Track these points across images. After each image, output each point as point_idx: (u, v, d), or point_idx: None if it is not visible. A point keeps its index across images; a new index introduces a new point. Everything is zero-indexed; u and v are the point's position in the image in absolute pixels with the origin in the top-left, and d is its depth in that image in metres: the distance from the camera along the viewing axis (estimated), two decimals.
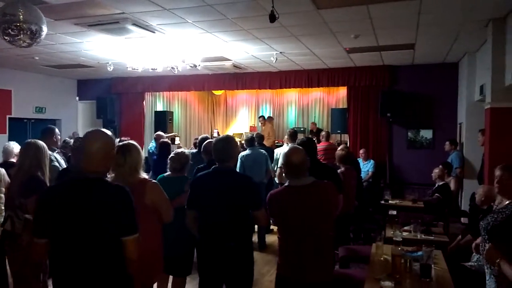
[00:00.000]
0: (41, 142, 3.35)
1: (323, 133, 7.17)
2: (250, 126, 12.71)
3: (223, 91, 12.38)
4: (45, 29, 3.98)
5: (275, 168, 6.44)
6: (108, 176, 2.56)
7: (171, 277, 3.61)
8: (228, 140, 2.87)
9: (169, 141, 5.80)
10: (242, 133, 11.83)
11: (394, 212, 4.38)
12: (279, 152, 6.55)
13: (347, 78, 8.41)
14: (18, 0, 3.89)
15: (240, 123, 13.34)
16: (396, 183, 7.71)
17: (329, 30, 5.49)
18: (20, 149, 3.37)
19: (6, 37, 3.89)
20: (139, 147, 2.66)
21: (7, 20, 3.81)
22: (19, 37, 3.84)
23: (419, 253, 3.05)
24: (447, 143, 7.11)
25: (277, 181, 6.31)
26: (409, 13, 4.81)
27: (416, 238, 3.93)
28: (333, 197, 2.63)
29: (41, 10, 4.09)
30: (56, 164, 4.35)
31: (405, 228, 4.17)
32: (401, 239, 3.23)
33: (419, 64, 7.91)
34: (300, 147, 2.76)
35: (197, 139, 6.93)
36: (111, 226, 1.95)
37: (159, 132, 7.34)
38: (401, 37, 5.94)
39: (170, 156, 3.60)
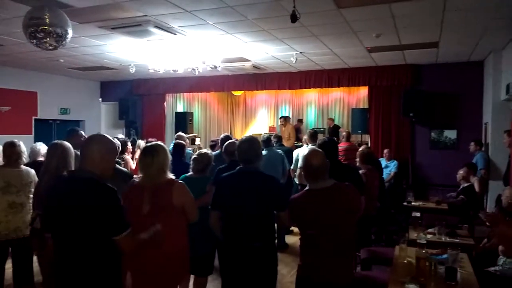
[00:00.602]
0: (67, 143, 3.42)
1: (343, 133, 7.09)
2: (269, 127, 12.71)
3: (242, 91, 12.43)
4: (70, 32, 4.08)
5: (296, 169, 6.42)
6: (136, 176, 2.63)
7: (192, 277, 3.64)
8: (252, 141, 2.88)
9: (184, 142, 5.83)
10: (261, 134, 11.83)
11: (418, 214, 4.31)
12: (299, 153, 6.53)
13: (368, 77, 8.30)
14: (44, 4, 4.00)
15: (259, 123, 13.36)
16: (418, 184, 7.57)
17: (350, 29, 5.43)
18: (47, 150, 3.45)
19: (33, 40, 4.00)
20: (166, 148, 2.69)
21: (34, 24, 3.92)
22: (45, 40, 3.94)
23: (444, 256, 3.00)
24: (472, 143, 6.93)
25: (297, 182, 6.30)
26: (433, 11, 4.71)
27: (440, 240, 3.84)
28: (355, 200, 2.60)
29: (66, 14, 4.19)
30: None
31: (429, 230, 4.08)
32: (426, 242, 3.18)
33: (443, 62, 7.74)
34: (320, 150, 2.75)
35: (213, 141, 6.97)
36: (98, 226, 2.04)
37: (180, 133, 7.39)
38: (424, 35, 5.82)
39: (193, 157, 3.65)
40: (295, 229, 6.59)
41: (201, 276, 3.58)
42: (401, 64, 7.91)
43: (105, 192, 2.07)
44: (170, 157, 2.67)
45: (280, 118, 11.77)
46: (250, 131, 13.05)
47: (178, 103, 11.38)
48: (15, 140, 3.79)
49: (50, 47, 4.14)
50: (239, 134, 13.23)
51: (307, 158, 2.61)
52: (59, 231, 2.10)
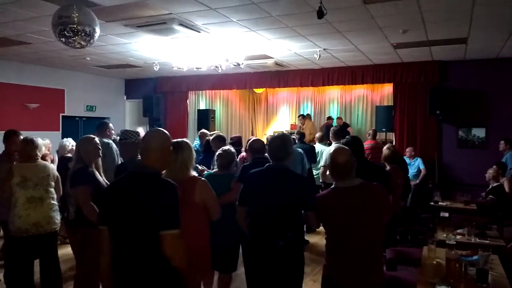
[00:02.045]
0: (92, 136, 3.50)
1: (369, 131, 7.00)
2: (291, 124, 12.65)
3: (264, 89, 12.41)
4: (98, 30, 4.15)
5: (318, 166, 6.37)
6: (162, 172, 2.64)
7: (216, 273, 3.66)
8: (284, 138, 2.84)
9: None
10: (282, 131, 11.78)
11: (446, 214, 4.20)
12: (321, 149, 6.48)
13: (393, 74, 8.14)
14: (72, 3, 4.08)
15: (281, 121, 13.31)
16: (445, 184, 7.39)
17: (376, 25, 5.34)
18: (77, 144, 3.53)
19: (62, 39, 4.09)
20: (191, 145, 2.71)
21: (62, 22, 4.00)
22: (74, 38, 4.01)
23: (475, 257, 2.91)
24: (502, 142, 6.72)
25: (320, 180, 6.24)
26: (462, 5, 4.58)
27: (470, 242, 3.74)
28: (382, 200, 2.54)
29: (94, 12, 4.26)
30: (114, 146, 4.88)
31: (458, 231, 3.98)
32: (455, 243, 3.10)
33: (472, 59, 7.51)
34: (346, 147, 2.68)
35: (232, 139, 6.98)
36: (153, 219, 2.01)
37: (204, 130, 7.45)
38: (452, 31, 5.67)
39: (217, 153, 3.64)
40: (317, 228, 6.55)
41: (224, 273, 3.59)
42: (428, 60, 7.73)
43: (168, 187, 2.08)
44: (194, 154, 2.68)
45: (299, 116, 11.70)
46: (271, 129, 13.02)
47: (200, 101, 11.46)
48: (29, 137, 3.83)
49: (78, 46, 4.22)
50: (260, 132, 13.23)
51: (333, 155, 2.55)
52: (119, 225, 2.08)
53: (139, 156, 2.26)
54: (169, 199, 2.04)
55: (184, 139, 2.76)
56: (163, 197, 2.03)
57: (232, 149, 3.72)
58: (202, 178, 2.72)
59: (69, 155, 4.90)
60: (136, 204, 2.04)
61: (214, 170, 3.62)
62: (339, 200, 2.50)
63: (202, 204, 2.58)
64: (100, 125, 5.31)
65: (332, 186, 2.58)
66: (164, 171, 2.61)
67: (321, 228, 7.01)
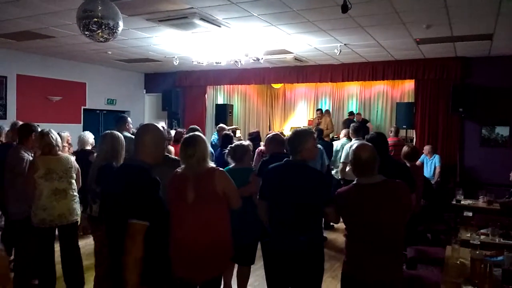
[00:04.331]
0: (117, 133, 3.53)
1: (391, 128, 6.91)
2: (309, 120, 12.57)
3: (281, 84, 12.35)
4: (121, 24, 4.18)
5: (337, 164, 6.33)
6: (179, 167, 2.67)
7: (236, 266, 3.68)
8: (304, 133, 2.84)
9: (232, 134, 5.89)
10: (299, 127, 11.72)
11: (470, 214, 4.10)
12: (339, 145, 6.42)
13: (415, 70, 7.99)
14: None
15: (298, 116, 13.24)
16: (467, 183, 7.24)
17: (400, 20, 5.24)
18: (99, 139, 3.55)
19: (86, 32, 4.12)
20: (205, 138, 2.72)
21: (87, 16, 4.04)
22: (98, 32, 4.04)
23: (500, 258, 2.85)
24: None
25: (339, 177, 6.19)
26: (489, 1, 4.45)
27: (494, 242, 3.65)
28: (405, 198, 2.50)
29: (117, 6, 4.29)
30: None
31: (482, 231, 3.89)
32: (479, 243, 3.04)
33: (496, 55, 7.32)
34: (369, 144, 2.65)
35: (251, 134, 6.99)
36: (125, 207, 2.14)
37: (222, 125, 7.48)
38: (478, 27, 5.53)
39: (229, 147, 3.70)
40: (335, 225, 6.51)
41: (244, 265, 3.62)
42: (451, 56, 7.56)
43: (147, 180, 2.19)
44: (209, 145, 2.70)
45: (317, 110, 11.59)
46: (288, 124, 12.97)
47: (218, 95, 11.50)
48: (46, 129, 3.88)
49: (102, 39, 4.25)
50: (278, 127, 13.19)
51: (356, 151, 2.53)
52: (111, 216, 2.20)
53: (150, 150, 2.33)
54: (143, 191, 2.15)
55: (196, 132, 2.77)
56: (139, 188, 2.15)
57: (245, 143, 3.72)
58: (220, 168, 2.72)
59: (88, 148, 4.99)
60: (116, 192, 2.18)
61: (232, 165, 3.64)
62: (360, 196, 2.47)
63: (222, 193, 2.58)
64: (119, 119, 5.36)
65: (354, 182, 2.56)
66: (182, 166, 2.64)
67: (339, 225, 6.96)
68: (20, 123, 4.49)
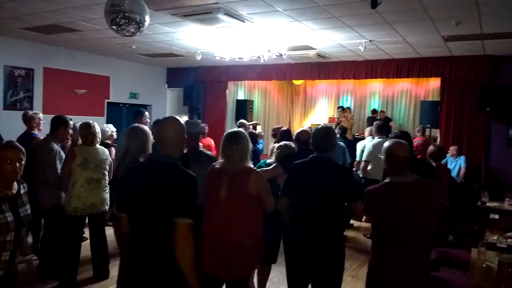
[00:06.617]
0: (146, 128, 3.55)
1: (417, 127, 6.80)
2: (329, 117, 12.47)
3: (302, 80, 12.27)
4: (147, 19, 4.22)
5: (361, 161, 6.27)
6: (218, 161, 2.67)
7: None
8: (329, 130, 2.84)
9: (255, 131, 5.94)
10: (319, 125, 11.63)
11: (496, 216, 4.01)
12: (364, 145, 6.35)
13: (441, 68, 7.80)
14: None
15: (319, 114, 13.14)
16: (493, 184, 7.05)
17: (428, 16, 5.12)
18: (127, 134, 3.47)
19: (113, 27, 4.19)
20: (248, 136, 2.71)
21: (115, 11, 4.10)
22: (125, 26, 4.10)
23: None
24: None
25: (360, 175, 6.13)
26: None
27: None
28: (437, 198, 2.45)
29: (143, 1, 4.34)
30: None
31: (508, 234, 3.79)
32: (506, 246, 2.97)
33: None
34: (405, 142, 2.59)
35: (275, 130, 6.96)
36: (168, 207, 2.07)
37: (242, 120, 7.49)
38: (509, 24, 5.35)
39: (277, 145, 3.71)
40: (355, 223, 6.46)
41: (265, 264, 3.61)
42: (479, 55, 7.35)
43: (185, 177, 2.13)
44: (251, 144, 2.69)
45: (338, 108, 11.49)
46: (309, 121, 12.89)
47: (239, 91, 11.51)
48: (90, 121, 4.06)
49: (128, 34, 4.31)
50: (298, 124, 13.13)
51: (392, 149, 2.47)
52: (138, 213, 2.16)
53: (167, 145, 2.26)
54: (185, 188, 2.09)
55: (240, 129, 2.77)
56: (180, 186, 2.09)
57: (293, 144, 3.70)
58: (257, 170, 2.71)
59: (108, 141, 5.09)
60: (153, 191, 2.10)
61: (270, 160, 3.66)
62: (393, 195, 2.42)
63: (256, 195, 2.57)
64: (136, 114, 5.63)
65: (387, 181, 2.50)
66: (221, 161, 2.63)
67: (359, 224, 6.91)
68: (77, 124, 4.54)
